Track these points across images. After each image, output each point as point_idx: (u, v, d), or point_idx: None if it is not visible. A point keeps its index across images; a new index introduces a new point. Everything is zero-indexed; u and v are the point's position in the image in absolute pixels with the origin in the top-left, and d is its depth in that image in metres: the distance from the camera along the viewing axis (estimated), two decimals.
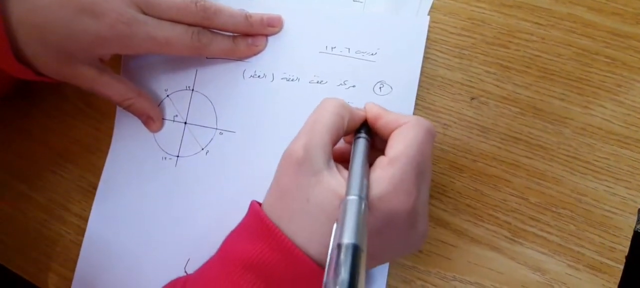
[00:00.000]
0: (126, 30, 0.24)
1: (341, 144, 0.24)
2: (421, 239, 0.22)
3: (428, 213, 0.22)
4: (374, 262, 0.22)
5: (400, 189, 0.19)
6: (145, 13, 0.25)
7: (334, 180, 0.20)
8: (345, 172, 0.20)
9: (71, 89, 0.32)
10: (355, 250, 0.16)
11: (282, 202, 0.20)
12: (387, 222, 0.19)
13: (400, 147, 0.20)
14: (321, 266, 0.19)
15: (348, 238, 0.16)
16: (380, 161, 0.20)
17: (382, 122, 0.22)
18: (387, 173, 0.19)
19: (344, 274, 0.15)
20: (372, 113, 0.23)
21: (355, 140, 0.22)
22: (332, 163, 0.21)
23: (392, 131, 0.21)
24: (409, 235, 0.21)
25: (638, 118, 0.25)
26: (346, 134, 0.22)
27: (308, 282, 0.19)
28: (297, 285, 0.19)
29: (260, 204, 0.21)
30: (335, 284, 0.15)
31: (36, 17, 0.23)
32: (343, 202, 0.18)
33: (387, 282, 0.26)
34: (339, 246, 0.16)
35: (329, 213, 0.19)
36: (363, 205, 0.18)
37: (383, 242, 0.20)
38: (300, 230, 0.19)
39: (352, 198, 0.18)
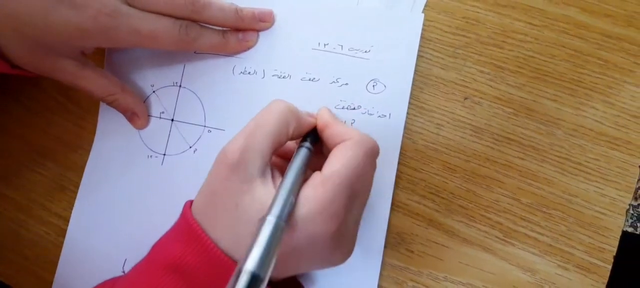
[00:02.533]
0: (109, 23, 0.23)
1: (292, 144, 0.23)
2: (344, 258, 0.21)
3: (357, 233, 0.22)
4: (289, 273, 0.21)
5: (327, 212, 0.19)
6: (130, 5, 0.24)
7: (265, 191, 0.19)
8: (280, 181, 0.20)
9: (51, 82, 0.31)
10: (253, 280, 0.16)
11: (211, 204, 0.20)
12: (309, 243, 0.19)
13: (336, 166, 0.19)
14: None
15: (250, 266, 0.16)
16: (314, 178, 0.20)
17: (328, 133, 0.22)
18: (316, 193, 0.19)
19: None
20: (321, 121, 0.22)
21: (297, 148, 0.22)
22: (268, 171, 0.20)
23: (335, 144, 0.21)
24: (331, 255, 0.20)
25: (628, 119, 0.25)
26: (292, 139, 0.22)
27: None
28: None
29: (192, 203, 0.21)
30: None
31: (11, 6, 0.22)
32: (260, 220, 0.17)
33: (379, 283, 0.25)
34: (239, 271, 0.16)
35: (256, 223, 0.18)
36: (279, 229, 0.17)
37: (301, 260, 0.20)
38: (227, 235, 0.19)
39: (270, 218, 0.17)
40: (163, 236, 0.21)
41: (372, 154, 0.21)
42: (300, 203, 0.19)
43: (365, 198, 0.22)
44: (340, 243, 0.20)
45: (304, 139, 0.22)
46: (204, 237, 0.19)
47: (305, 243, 0.19)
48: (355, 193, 0.20)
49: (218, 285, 0.19)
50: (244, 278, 0.15)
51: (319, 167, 0.20)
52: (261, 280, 0.16)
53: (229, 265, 0.19)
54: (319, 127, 0.22)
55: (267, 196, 0.19)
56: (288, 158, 0.21)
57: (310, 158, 0.21)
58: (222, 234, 0.19)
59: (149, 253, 0.21)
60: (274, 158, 0.22)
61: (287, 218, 0.18)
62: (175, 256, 0.19)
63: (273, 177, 0.20)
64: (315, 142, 0.22)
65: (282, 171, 0.21)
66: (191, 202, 0.21)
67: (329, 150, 0.21)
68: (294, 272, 0.21)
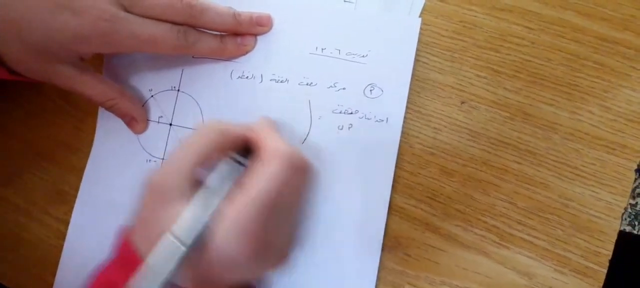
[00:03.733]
0: (108, 28, 0.23)
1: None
2: (275, 268, 0.21)
3: (291, 242, 0.21)
4: (226, 283, 0.20)
5: (244, 235, 0.18)
6: (128, 10, 0.24)
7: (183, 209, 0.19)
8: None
9: (50, 85, 0.31)
10: None
11: (142, 228, 0.20)
12: (227, 264, 0.19)
13: (255, 183, 0.19)
14: None
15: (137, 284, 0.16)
16: (235, 196, 0.19)
17: (259, 145, 0.21)
18: (234, 213, 0.18)
19: None
20: (254, 133, 0.21)
21: (222, 161, 0.21)
22: (193, 189, 0.20)
23: (262, 158, 0.20)
24: (258, 270, 0.20)
25: (624, 124, 0.25)
26: (224, 152, 0.21)
27: None
28: None
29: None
30: None
31: (10, 12, 0.22)
32: (162, 237, 0.17)
33: (376, 286, 0.25)
34: None
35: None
36: (176, 252, 0.17)
37: (225, 276, 0.19)
38: None
39: (168, 239, 0.17)
40: (102, 266, 0.21)
41: (298, 169, 0.20)
42: (217, 223, 0.18)
43: (296, 212, 0.21)
44: (264, 260, 0.20)
45: (237, 155, 0.21)
46: (136, 258, 0.19)
47: (222, 264, 0.19)
48: (279, 210, 0.19)
49: None
50: None
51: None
52: None
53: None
54: (252, 139, 0.21)
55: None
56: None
57: (243, 171, 0.21)
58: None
59: (89, 280, 0.21)
60: None
61: (199, 239, 0.18)
62: (109, 278, 0.19)
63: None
64: (250, 155, 0.21)
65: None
66: (126, 227, 0.21)
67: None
68: (230, 282, 0.20)
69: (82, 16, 0.23)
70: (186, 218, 0.18)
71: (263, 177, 0.19)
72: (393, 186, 0.26)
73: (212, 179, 0.20)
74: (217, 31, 0.27)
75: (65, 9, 0.23)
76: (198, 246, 0.18)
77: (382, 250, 0.26)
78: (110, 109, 0.27)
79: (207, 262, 0.18)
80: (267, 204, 0.19)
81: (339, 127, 0.26)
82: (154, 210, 0.19)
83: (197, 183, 0.20)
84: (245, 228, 0.18)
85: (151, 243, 0.19)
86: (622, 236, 0.24)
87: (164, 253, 0.17)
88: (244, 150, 0.21)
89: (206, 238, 0.18)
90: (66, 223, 0.29)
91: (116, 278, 0.19)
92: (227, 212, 0.19)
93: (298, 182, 0.20)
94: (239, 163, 0.21)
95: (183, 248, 0.17)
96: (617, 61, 0.25)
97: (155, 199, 0.20)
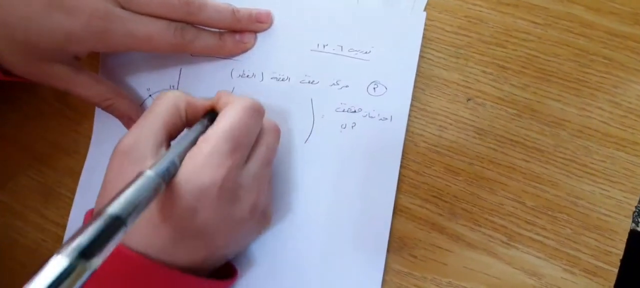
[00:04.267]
0: (102, 26, 0.23)
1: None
2: (258, 216, 0.22)
3: (263, 195, 0.22)
4: (219, 251, 0.22)
5: (208, 163, 0.19)
6: (123, 7, 0.23)
7: None
8: None
9: (47, 87, 0.30)
10: (114, 220, 0.15)
11: (107, 194, 0.20)
12: (198, 198, 0.19)
13: (214, 125, 0.20)
14: (147, 257, 0.19)
15: (113, 209, 0.15)
16: (198, 140, 0.20)
17: (219, 106, 0.22)
18: (197, 149, 0.20)
19: (82, 239, 0.14)
20: (215, 98, 0.23)
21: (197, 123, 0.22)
22: (163, 151, 0.20)
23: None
24: (233, 210, 0.20)
25: (634, 120, 0.24)
26: (189, 123, 0.22)
27: (136, 277, 0.19)
28: (129, 282, 0.19)
29: None
30: (68, 248, 0.13)
31: (2, 12, 0.21)
32: (136, 175, 0.17)
33: (382, 287, 0.25)
34: (98, 214, 0.15)
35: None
36: (154, 182, 0.17)
37: (205, 223, 0.20)
38: None
39: (147, 172, 0.17)
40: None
41: (251, 109, 0.21)
42: (184, 163, 0.19)
43: (260, 153, 0.22)
44: (237, 194, 0.20)
45: (203, 118, 0.23)
46: None
47: (193, 200, 0.19)
48: (239, 145, 0.20)
49: (125, 277, 0.19)
50: (105, 220, 0.15)
51: None
52: (122, 222, 0.15)
53: (130, 256, 0.19)
54: (214, 104, 0.23)
55: None
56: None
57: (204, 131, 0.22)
58: None
59: None
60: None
61: (169, 178, 0.18)
62: None
63: None
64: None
65: None
66: (92, 211, 0.21)
67: None
68: (218, 244, 0.21)
69: (75, 15, 0.22)
70: (163, 158, 0.19)
71: (223, 118, 0.21)
72: (398, 186, 0.25)
73: (186, 134, 0.21)
74: (215, 28, 0.26)
75: (58, 8, 0.22)
76: (170, 184, 0.19)
77: (388, 251, 0.25)
78: (107, 109, 0.27)
79: (179, 198, 0.19)
80: (229, 138, 0.20)
81: (342, 125, 0.26)
82: (121, 171, 0.20)
83: (167, 145, 0.21)
84: (211, 159, 0.19)
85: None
86: (633, 235, 0.24)
87: (136, 184, 0.17)
88: (209, 116, 0.23)
89: (176, 178, 0.19)
90: (63, 227, 0.29)
91: None
92: (192, 152, 0.20)
93: (253, 121, 0.21)
94: (206, 126, 0.22)
95: (152, 175, 0.17)
96: (627, 56, 0.25)
97: (122, 161, 0.20)
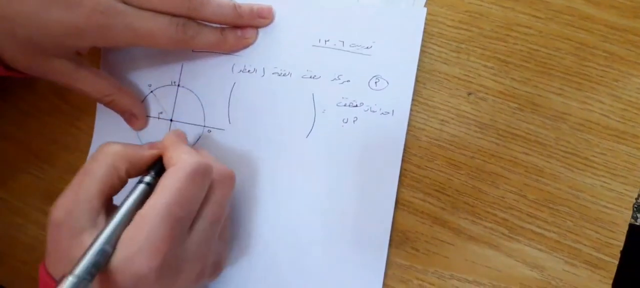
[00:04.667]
0: (104, 21, 0.22)
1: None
2: (207, 276, 0.21)
3: (209, 251, 0.21)
4: None
5: (145, 249, 0.18)
6: (125, 2, 0.23)
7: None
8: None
9: (47, 83, 0.30)
10: None
11: (52, 265, 0.19)
12: (137, 284, 0.18)
13: (153, 199, 0.19)
14: None
15: None
16: (135, 217, 0.19)
17: (164, 161, 0.21)
18: (133, 233, 0.18)
19: None
20: (161, 149, 0.21)
21: (134, 186, 0.21)
22: (102, 219, 0.19)
23: None
24: (176, 283, 0.19)
25: (635, 113, 0.24)
26: (132, 177, 0.21)
27: None
28: None
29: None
30: None
31: (2, 7, 0.21)
32: (59, 280, 0.17)
33: (384, 282, 0.25)
34: None
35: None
36: (73, 285, 0.17)
37: None
38: None
39: (69, 279, 0.17)
40: None
41: (196, 175, 0.20)
42: (119, 247, 0.18)
43: (211, 219, 0.20)
44: (177, 272, 0.19)
45: (147, 173, 0.21)
46: None
47: (131, 281, 0.18)
48: (179, 220, 0.19)
49: None
50: None
51: None
52: None
53: None
54: (162, 152, 0.21)
55: None
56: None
57: (146, 195, 0.20)
58: None
59: None
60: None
61: (102, 268, 0.18)
62: None
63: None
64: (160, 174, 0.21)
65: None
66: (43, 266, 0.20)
67: None
68: None
69: (75, 9, 0.22)
70: (88, 254, 0.18)
71: (162, 190, 0.19)
72: (400, 180, 0.25)
73: (121, 205, 0.20)
74: (217, 24, 0.26)
75: (59, 2, 0.22)
76: (104, 271, 0.18)
77: (390, 245, 0.25)
78: (108, 105, 0.27)
79: (116, 284, 0.18)
80: (166, 216, 0.18)
81: (343, 120, 0.26)
82: (59, 244, 0.19)
83: (105, 209, 0.20)
84: (147, 244, 0.18)
85: (58, 274, 0.18)
86: (632, 230, 0.24)
87: None
88: (154, 169, 0.21)
89: (109, 267, 0.18)
90: None
91: None
92: (127, 234, 0.19)
93: (198, 189, 0.20)
94: (149, 184, 0.21)
95: (74, 281, 0.17)
96: (628, 50, 0.25)
97: (58, 234, 0.19)
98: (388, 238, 0.25)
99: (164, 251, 0.18)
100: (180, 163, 0.20)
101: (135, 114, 0.27)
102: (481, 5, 0.26)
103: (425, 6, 0.27)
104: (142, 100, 0.28)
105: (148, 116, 0.28)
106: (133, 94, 0.27)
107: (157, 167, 0.22)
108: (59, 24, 0.22)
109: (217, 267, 0.22)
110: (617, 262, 0.23)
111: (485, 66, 0.26)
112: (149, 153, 0.22)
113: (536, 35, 0.26)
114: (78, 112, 0.30)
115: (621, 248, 0.24)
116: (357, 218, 0.25)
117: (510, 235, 0.25)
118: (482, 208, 0.25)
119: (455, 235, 0.25)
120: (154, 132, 0.28)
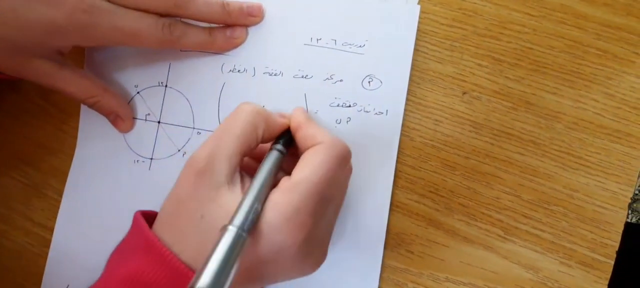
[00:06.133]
0: (86, 20, 0.22)
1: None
2: (314, 267, 0.21)
3: (329, 240, 0.21)
4: (253, 285, 0.20)
5: (294, 221, 0.18)
6: (109, 0, 0.22)
7: (232, 198, 0.18)
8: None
9: (30, 85, 0.29)
10: None
11: (176, 214, 0.19)
12: (275, 253, 0.18)
13: (305, 171, 0.19)
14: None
15: (203, 282, 0.15)
16: (282, 183, 0.19)
17: (300, 135, 0.21)
18: (283, 199, 0.18)
19: None
20: (294, 122, 0.21)
21: (268, 151, 0.21)
22: (237, 177, 0.19)
23: (307, 147, 0.20)
24: (300, 264, 0.20)
25: (628, 111, 0.24)
26: (264, 142, 0.21)
27: None
28: None
29: (143, 214, 0.20)
30: None
31: None
32: (221, 230, 0.17)
33: (379, 285, 0.25)
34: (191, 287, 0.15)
35: (217, 232, 0.17)
36: (239, 240, 0.16)
37: (267, 271, 0.19)
38: (191, 247, 0.18)
39: (230, 228, 0.17)
40: (115, 251, 0.20)
41: (343, 158, 0.20)
42: (267, 210, 0.18)
43: (338, 204, 0.21)
44: (309, 252, 0.19)
45: (276, 141, 0.21)
46: (163, 250, 0.18)
47: (271, 253, 0.18)
48: (325, 200, 0.19)
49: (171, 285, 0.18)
50: None
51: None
52: None
53: (191, 278, 0.18)
54: (292, 128, 0.21)
55: (233, 203, 0.18)
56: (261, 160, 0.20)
57: (283, 160, 0.21)
58: (185, 246, 0.18)
59: (105, 269, 0.20)
60: (247, 160, 0.22)
61: (251, 228, 0.17)
62: (133, 271, 0.18)
63: (243, 182, 0.19)
64: (289, 144, 0.21)
65: (254, 174, 0.20)
66: (141, 212, 0.20)
67: (302, 153, 0.20)
68: (258, 284, 0.20)
69: (57, 7, 0.21)
70: (244, 206, 0.18)
71: (314, 165, 0.19)
72: (394, 181, 0.25)
73: (262, 167, 0.20)
74: (205, 22, 0.26)
75: (39, 0, 0.21)
76: (250, 237, 0.18)
77: (385, 247, 0.25)
78: (92, 106, 0.26)
79: (256, 252, 0.18)
80: (317, 192, 0.19)
81: (336, 120, 0.25)
82: (194, 194, 0.18)
83: (240, 169, 0.20)
84: (297, 216, 0.18)
85: (182, 227, 0.18)
86: (628, 229, 0.24)
87: (230, 245, 0.16)
88: (283, 139, 0.21)
89: (257, 228, 0.18)
90: (50, 229, 0.28)
91: (135, 263, 0.18)
92: (277, 199, 0.18)
93: (342, 172, 0.20)
94: (281, 153, 0.21)
95: (244, 237, 0.17)
96: (621, 47, 0.25)
97: (196, 183, 0.18)
98: (383, 241, 0.25)
99: (309, 226, 0.18)
100: (329, 143, 0.20)
101: (121, 115, 0.26)
102: (475, 3, 0.26)
103: (418, 4, 0.26)
104: (129, 102, 0.27)
105: (135, 118, 0.27)
106: (119, 95, 0.27)
107: (285, 137, 0.21)
108: (39, 22, 0.21)
109: (325, 256, 0.22)
110: (612, 262, 0.23)
111: (479, 65, 0.26)
112: (282, 121, 0.21)
113: (530, 33, 0.25)
114: (63, 114, 0.29)
115: (616, 248, 0.23)
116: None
117: (505, 236, 0.24)
118: (476, 210, 0.25)
119: (450, 237, 0.25)
120: (142, 134, 0.27)
